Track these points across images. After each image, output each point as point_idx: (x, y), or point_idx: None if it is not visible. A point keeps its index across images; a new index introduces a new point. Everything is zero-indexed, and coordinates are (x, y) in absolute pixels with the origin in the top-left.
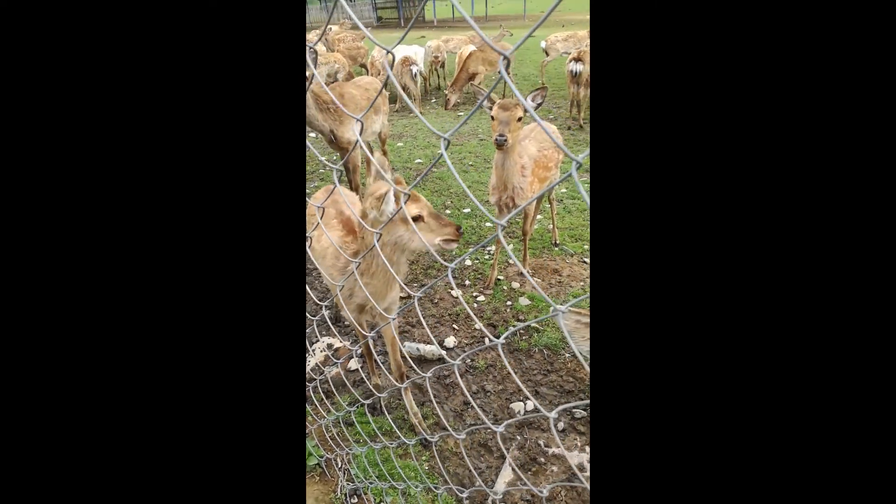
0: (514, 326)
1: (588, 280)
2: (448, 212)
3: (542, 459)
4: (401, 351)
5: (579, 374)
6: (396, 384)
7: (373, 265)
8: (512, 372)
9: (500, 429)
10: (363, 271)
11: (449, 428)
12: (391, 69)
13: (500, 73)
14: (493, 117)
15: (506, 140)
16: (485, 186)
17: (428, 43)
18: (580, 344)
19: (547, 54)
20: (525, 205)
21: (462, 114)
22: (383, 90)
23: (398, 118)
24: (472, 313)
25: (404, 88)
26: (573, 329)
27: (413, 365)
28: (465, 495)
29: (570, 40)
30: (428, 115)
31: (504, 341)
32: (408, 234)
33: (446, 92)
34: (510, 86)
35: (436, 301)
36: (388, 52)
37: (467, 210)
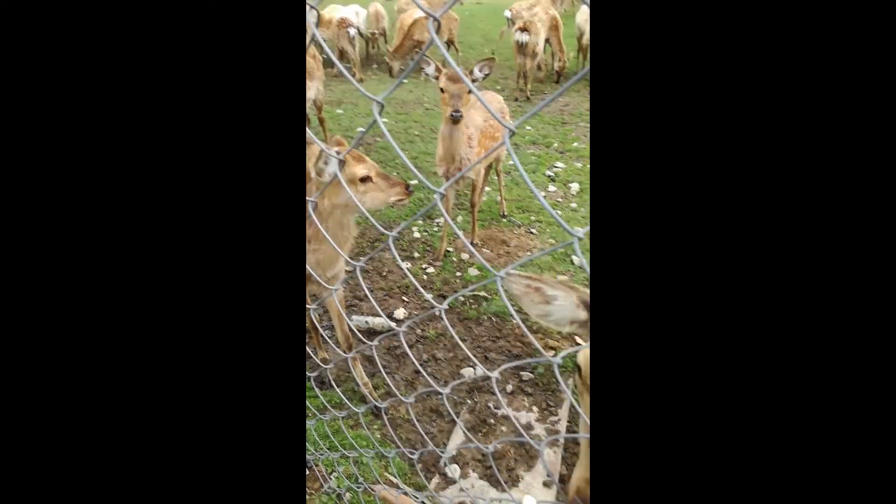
0: (463, 296)
1: (535, 250)
2: None
3: (493, 421)
4: (348, 323)
5: (526, 340)
6: (344, 355)
7: (320, 231)
8: (455, 335)
9: (447, 390)
10: (310, 237)
11: (398, 393)
12: (317, 29)
13: (445, 40)
14: (442, 89)
15: (461, 115)
16: (432, 157)
17: (370, 5)
18: (530, 307)
19: (512, 23)
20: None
21: (406, 81)
22: (316, 54)
23: (337, 84)
24: (416, 283)
25: (342, 52)
26: (523, 293)
27: (361, 337)
28: (415, 457)
29: (535, 8)
30: (369, 83)
31: (447, 307)
32: (357, 196)
33: (387, 59)
34: (441, 51)
35: (384, 274)
36: (312, 8)
37: (415, 182)
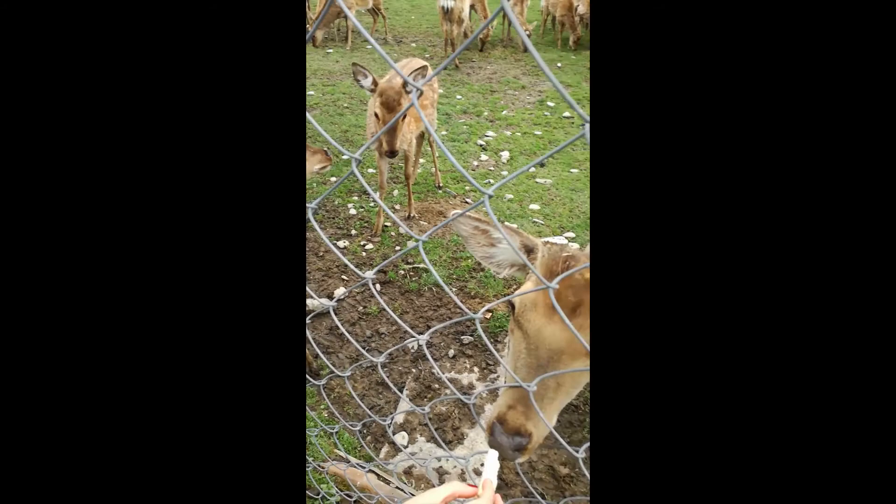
0: (402, 270)
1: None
2: None
3: (437, 385)
4: None
5: (467, 305)
6: None
7: None
8: (387, 307)
9: (381, 359)
10: None
11: (334, 369)
12: None
13: (370, 6)
14: (376, 115)
15: (397, 153)
16: (362, 130)
17: None
18: (475, 249)
19: None
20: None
21: (332, 51)
22: None
23: None
24: (346, 260)
25: None
26: (470, 235)
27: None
28: (357, 428)
29: None
30: None
31: (373, 275)
32: None
33: (308, 27)
34: (356, 25)
35: (321, 254)
36: None
37: (346, 156)
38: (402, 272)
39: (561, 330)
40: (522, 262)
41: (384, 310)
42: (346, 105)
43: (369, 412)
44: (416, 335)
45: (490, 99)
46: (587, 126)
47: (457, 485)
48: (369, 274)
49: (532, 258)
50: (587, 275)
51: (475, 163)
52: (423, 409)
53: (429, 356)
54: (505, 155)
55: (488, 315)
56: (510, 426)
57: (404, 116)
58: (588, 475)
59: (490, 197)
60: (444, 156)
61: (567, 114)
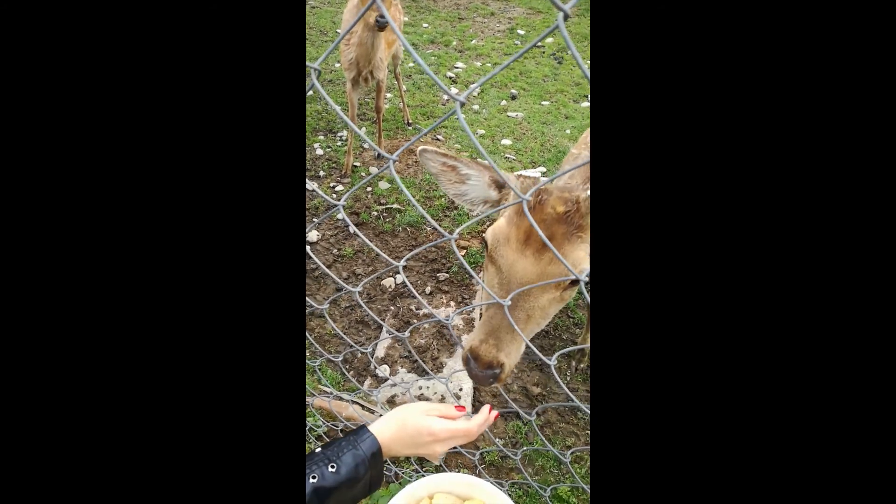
0: (375, 211)
1: None
2: None
3: (415, 321)
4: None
5: (441, 244)
6: None
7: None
8: (361, 236)
9: (358, 288)
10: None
11: (315, 304)
12: None
13: None
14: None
15: (387, 22)
16: (326, 63)
17: None
18: (447, 187)
19: None
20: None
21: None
22: None
23: None
24: (325, 197)
25: None
26: (440, 172)
27: None
28: (339, 359)
29: None
30: None
31: (344, 202)
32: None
33: None
34: None
35: None
36: None
37: (310, 92)
38: (376, 213)
39: (532, 264)
40: (495, 199)
41: (359, 252)
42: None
43: (352, 343)
44: (393, 261)
45: (458, 27)
46: (561, 16)
47: (447, 407)
48: (340, 203)
49: (504, 194)
50: (559, 208)
51: (445, 97)
52: (404, 335)
53: (407, 283)
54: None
55: (462, 251)
56: (483, 360)
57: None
58: (560, 382)
59: (462, 104)
60: (412, 90)
61: (538, 42)
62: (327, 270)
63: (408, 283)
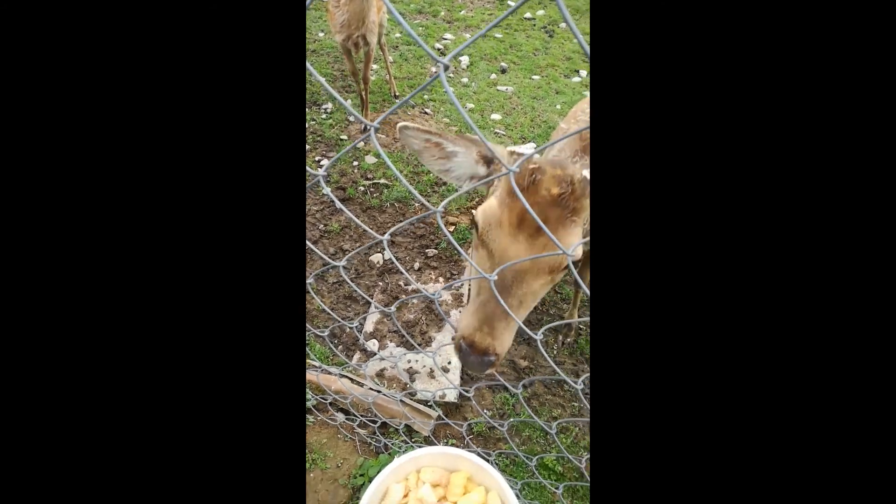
0: (363, 186)
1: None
2: None
3: (403, 296)
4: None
5: (428, 220)
6: None
7: None
8: (355, 220)
9: (342, 263)
10: None
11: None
12: None
13: None
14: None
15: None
16: (309, 34)
17: None
18: (431, 164)
19: None
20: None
21: None
22: None
23: None
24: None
25: None
26: (423, 149)
27: None
28: (325, 334)
29: None
30: None
31: (325, 172)
32: None
33: None
34: None
35: None
36: None
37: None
38: (363, 188)
39: (525, 250)
40: (482, 175)
41: (346, 227)
42: None
43: (339, 319)
44: (378, 235)
45: None
46: None
47: None
48: (320, 172)
49: (492, 170)
50: (554, 190)
51: (433, 69)
52: (391, 310)
53: (393, 258)
54: (465, 60)
55: (451, 227)
56: (479, 348)
57: None
58: (546, 356)
59: (446, 68)
60: (399, 61)
61: (528, 15)
62: (312, 247)
63: (393, 258)
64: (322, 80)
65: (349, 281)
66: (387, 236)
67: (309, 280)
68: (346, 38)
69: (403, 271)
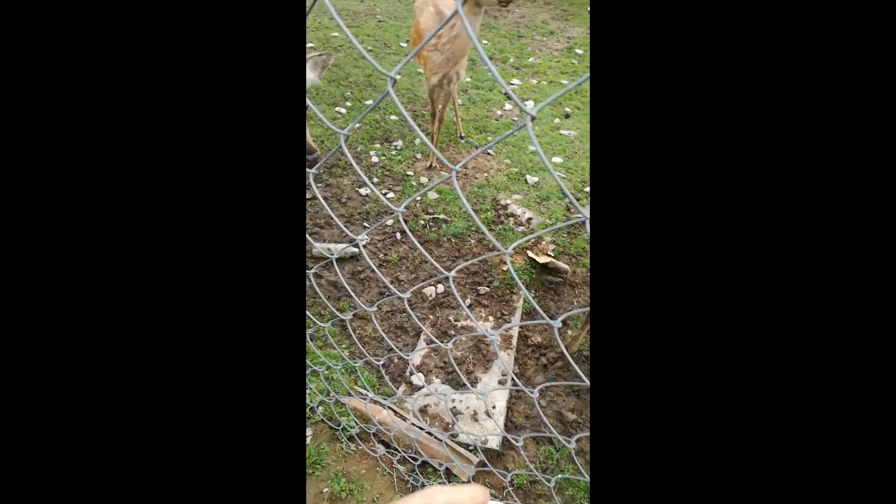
0: (423, 220)
1: (492, 171)
2: (349, 104)
3: (452, 332)
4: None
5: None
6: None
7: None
8: (424, 252)
9: (407, 294)
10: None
11: (362, 305)
12: None
13: None
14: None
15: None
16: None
17: None
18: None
19: None
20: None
21: None
22: None
23: None
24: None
25: None
26: None
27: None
28: (381, 362)
29: None
30: None
31: (404, 209)
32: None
33: None
34: None
35: (343, 201)
36: None
37: (369, 101)
38: (422, 222)
39: None
40: None
41: (403, 259)
42: (370, 48)
43: (393, 345)
44: (444, 270)
45: (517, 45)
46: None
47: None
48: (399, 209)
49: None
50: None
51: (499, 112)
52: (447, 346)
53: (454, 293)
54: (530, 104)
55: (504, 267)
56: None
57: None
58: (563, 348)
59: (533, 119)
60: (467, 104)
61: None
62: (384, 279)
63: (455, 293)
64: (407, 115)
65: (409, 311)
66: (452, 273)
67: (372, 308)
68: (442, 77)
69: (465, 308)
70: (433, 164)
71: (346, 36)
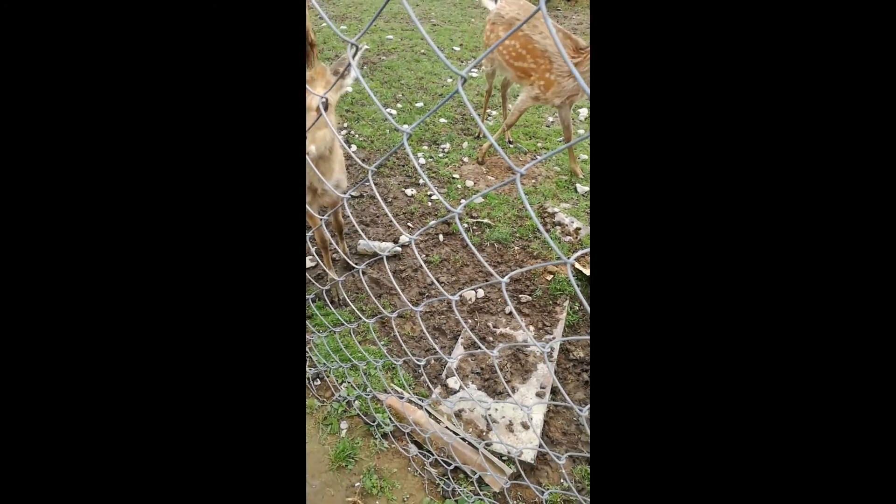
0: (466, 223)
1: (540, 177)
2: (399, 105)
3: (491, 338)
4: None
5: (526, 264)
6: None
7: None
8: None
9: (455, 297)
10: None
11: (407, 302)
12: None
13: None
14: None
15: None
16: (438, 77)
17: None
18: None
19: None
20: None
21: None
22: None
23: None
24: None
25: None
26: None
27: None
28: (422, 363)
29: None
30: None
31: (461, 210)
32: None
33: None
34: None
35: (389, 200)
36: None
37: (420, 104)
38: (466, 225)
39: None
40: None
41: (444, 260)
42: (423, 51)
43: (436, 346)
44: (499, 277)
45: None
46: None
47: None
48: (458, 209)
49: None
50: None
51: (550, 119)
52: (493, 353)
53: (508, 301)
54: (583, 112)
55: (549, 276)
56: None
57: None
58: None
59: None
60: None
61: None
62: (434, 280)
63: (508, 301)
64: (476, 115)
65: (460, 318)
66: (506, 279)
67: (419, 308)
68: (565, 99)
69: (518, 317)
70: (482, 160)
71: (421, 35)
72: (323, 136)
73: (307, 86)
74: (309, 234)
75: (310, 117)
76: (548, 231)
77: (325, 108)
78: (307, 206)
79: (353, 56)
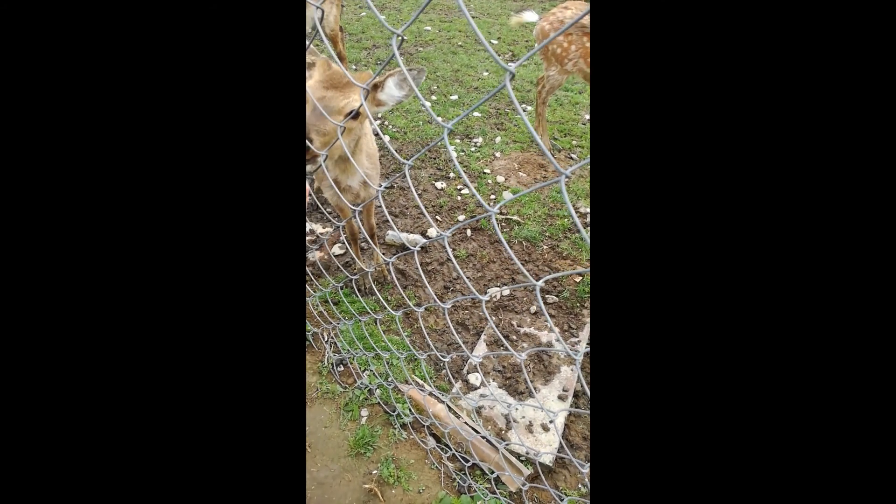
0: (496, 219)
1: (573, 177)
2: (434, 97)
3: (514, 337)
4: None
5: (554, 265)
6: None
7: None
8: (504, 243)
9: (486, 297)
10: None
11: (435, 298)
12: None
13: None
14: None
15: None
16: (474, 71)
17: None
18: None
19: None
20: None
21: None
22: None
23: None
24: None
25: None
26: None
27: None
28: (447, 359)
29: None
30: None
31: (497, 210)
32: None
33: None
34: None
35: (419, 193)
36: None
37: (455, 97)
38: (494, 222)
39: None
40: None
41: (471, 255)
42: (460, 43)
43: (460, 341)
44: (533, 280)
45: None
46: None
47: None
48: (495, 209)
49: None
50: None
51: (586, 116)
52: (521, 356)
53: (541, 305)
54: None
55: (578, 279)
56: None
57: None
58: (543, 309)
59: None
60: (553, 105)
61: None
62: (464, 277)
63: (542, 307)
64: (524, 115)
65: (489, 318)
66: (541, 283)
67: (447, 304)
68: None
69: (549, 321)
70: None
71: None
72: (339, 145)
73: (340, 91)
74: (341, 223)
75: (337, 118)
76: (577, 231)
77: (355, 118)
78: (340, 198)
79: (398, 83)
